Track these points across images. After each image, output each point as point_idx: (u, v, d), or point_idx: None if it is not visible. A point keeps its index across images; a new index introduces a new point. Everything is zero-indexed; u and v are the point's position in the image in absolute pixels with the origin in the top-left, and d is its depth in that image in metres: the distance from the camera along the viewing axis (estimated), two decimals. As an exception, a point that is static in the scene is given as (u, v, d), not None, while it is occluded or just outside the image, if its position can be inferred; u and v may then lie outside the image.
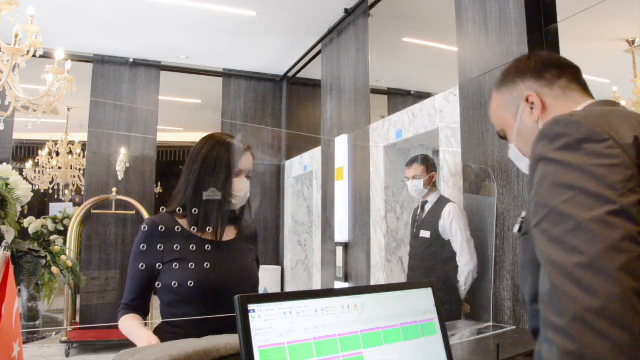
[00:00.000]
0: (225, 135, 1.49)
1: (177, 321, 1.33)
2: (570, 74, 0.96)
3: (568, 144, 0.71)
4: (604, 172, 0.67)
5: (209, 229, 1.40)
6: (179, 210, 1.37)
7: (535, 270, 0.77)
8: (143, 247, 1.33)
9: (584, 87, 0.96)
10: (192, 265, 1.31)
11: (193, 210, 1.36)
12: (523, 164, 0.98)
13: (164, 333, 1.32)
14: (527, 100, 0.94)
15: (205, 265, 1.34)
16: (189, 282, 1.31)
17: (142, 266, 1.31)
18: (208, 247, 1.37)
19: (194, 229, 1.36)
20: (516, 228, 0.89)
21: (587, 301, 0.60)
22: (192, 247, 1.33)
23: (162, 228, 1.34)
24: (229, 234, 1.47)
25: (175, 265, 1.31)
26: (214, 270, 1.35)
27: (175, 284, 1.30)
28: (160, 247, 1.32)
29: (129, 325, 1.31)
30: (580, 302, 0.61)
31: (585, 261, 0.62)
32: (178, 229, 1.36)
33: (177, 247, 1.33)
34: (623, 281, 0.60)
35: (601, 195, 0.65)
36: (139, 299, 1.36)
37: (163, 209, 1.43)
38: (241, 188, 1.43)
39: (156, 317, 1.47)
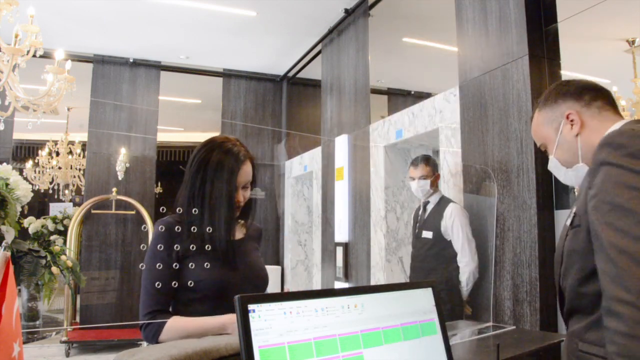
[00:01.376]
0: (227, 142, 1.46)
1: None
2: (605, 96, 1.14)
3: (631, 152, 0.89)
4: None
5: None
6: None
7: (585, 258, 0.96)
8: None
9: (615, 109, 1.16)
10: (207, 265, 1.32)
11: (206, 214, 1.37)
12: (561, 173, 1.16)
13: None
14: (567, 117, 1.12)
15: (219, 264, 1.36)
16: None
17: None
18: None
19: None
20: (569, 221, 1.05)
21: None
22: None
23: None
24: (239, 232, 1.49)
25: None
26: (228, 269, 1.38)
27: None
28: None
29: (187, 322, 1.30)
30: None
31: None
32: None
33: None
34: None
35: None
36: (166, 299, 1.35)
37: (163, 209, 1.43)
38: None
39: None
